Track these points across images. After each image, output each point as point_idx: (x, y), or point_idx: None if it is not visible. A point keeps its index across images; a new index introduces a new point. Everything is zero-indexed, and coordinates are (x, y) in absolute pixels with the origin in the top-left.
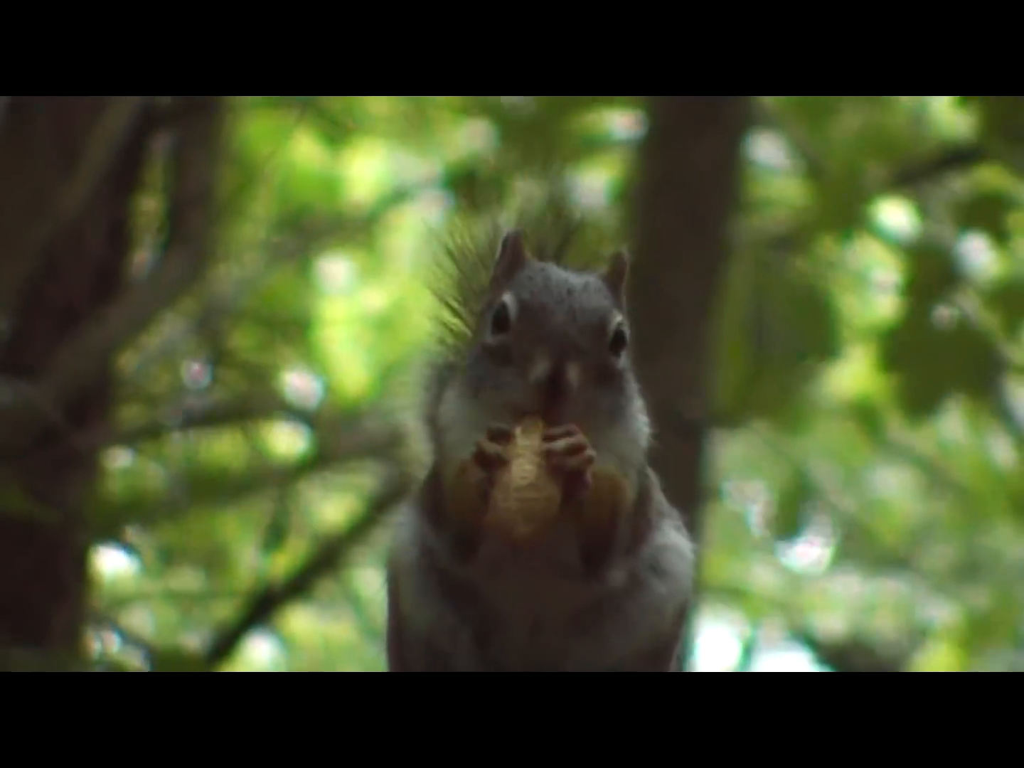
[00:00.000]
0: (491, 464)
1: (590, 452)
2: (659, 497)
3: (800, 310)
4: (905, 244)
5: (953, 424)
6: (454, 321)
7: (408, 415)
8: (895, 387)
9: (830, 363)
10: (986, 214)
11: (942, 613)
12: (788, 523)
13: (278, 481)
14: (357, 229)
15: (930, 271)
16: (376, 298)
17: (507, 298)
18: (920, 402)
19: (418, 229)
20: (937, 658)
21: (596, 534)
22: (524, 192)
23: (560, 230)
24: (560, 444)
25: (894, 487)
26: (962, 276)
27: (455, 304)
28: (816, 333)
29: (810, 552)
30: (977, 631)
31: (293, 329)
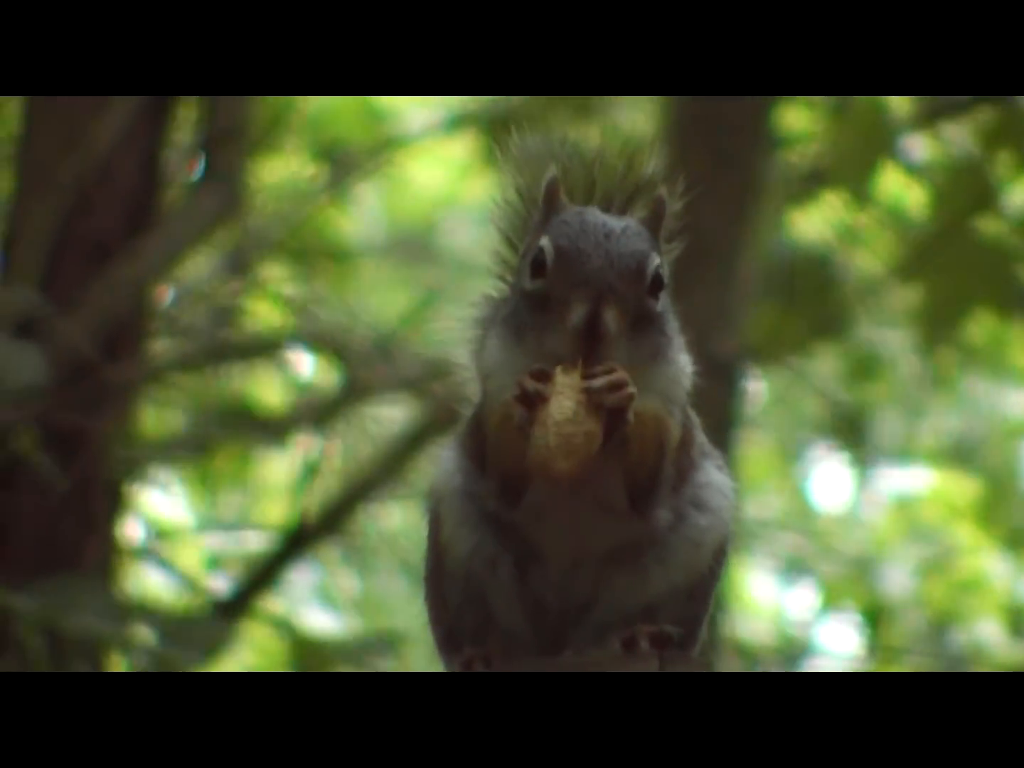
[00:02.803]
0: (532, 402)
1: (631, 389)
2: (701, 437)
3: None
4: (935, 169)
5: None
6: (511, 256)
7: (459, 350)
8: (918, 299)
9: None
10: (1013, 137)
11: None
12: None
13: (312, 415)
14: (390, 161)
15: (958, 191)
16: (408, 230)
17: (544, 243)
18: (943, 315)
19: (451, 161)
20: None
21: (642, 474)
22: (563, 136)
23: (606, 164)
24: (600, 381)
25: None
26: (993, 196)
27: (516, 241)
28: (820, 306)
29: (832, 483)
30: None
31: (326, 262)
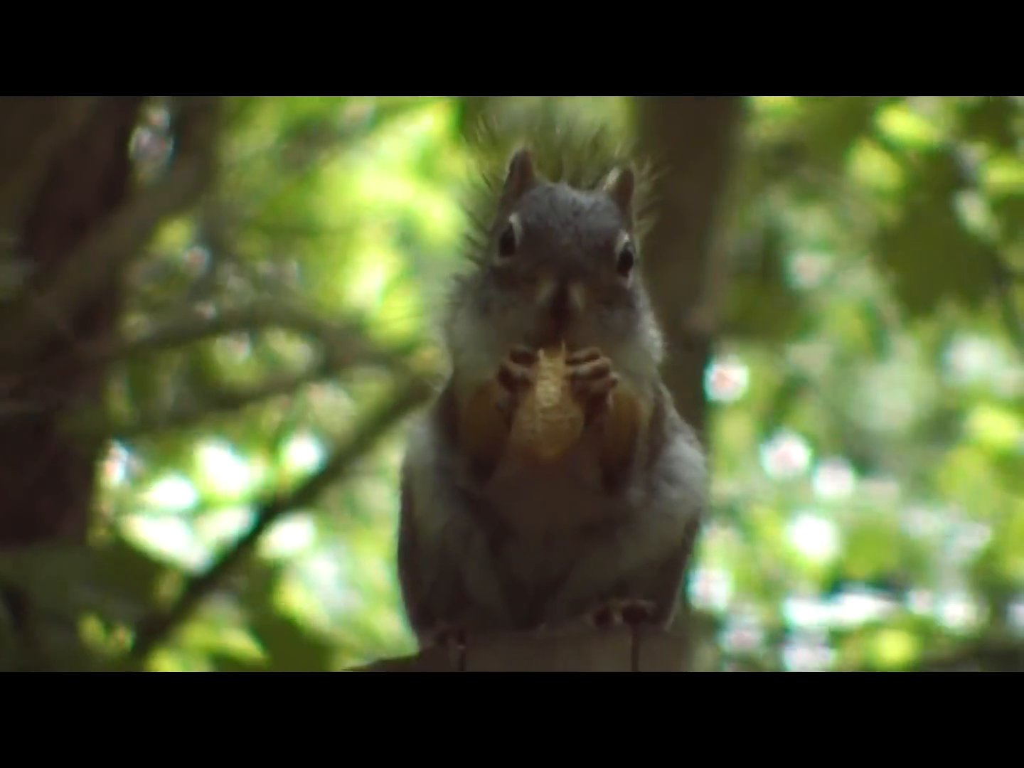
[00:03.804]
0: (516, 385)
1: (614, 375)
2: (672, 413)
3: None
4: (909, 149)
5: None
6: (481, 238)
7: (430, 326)
8: (893, 285)
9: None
10: (991, 120)
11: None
12: (778, 417)
13: (286, 390)
14: (364, 137)
15: (934, 172)
16: (383, 207)
17: (513, 220)
18: (917, 301)
19: (425, 136)
20: None
21: (616, 455)
22: (534, 111)
23: (572, 147)
24: (585, 367)
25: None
26: (966, 180)
27: (483, 221)
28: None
29: (796, 453)
30: None
31: (300, 237)
